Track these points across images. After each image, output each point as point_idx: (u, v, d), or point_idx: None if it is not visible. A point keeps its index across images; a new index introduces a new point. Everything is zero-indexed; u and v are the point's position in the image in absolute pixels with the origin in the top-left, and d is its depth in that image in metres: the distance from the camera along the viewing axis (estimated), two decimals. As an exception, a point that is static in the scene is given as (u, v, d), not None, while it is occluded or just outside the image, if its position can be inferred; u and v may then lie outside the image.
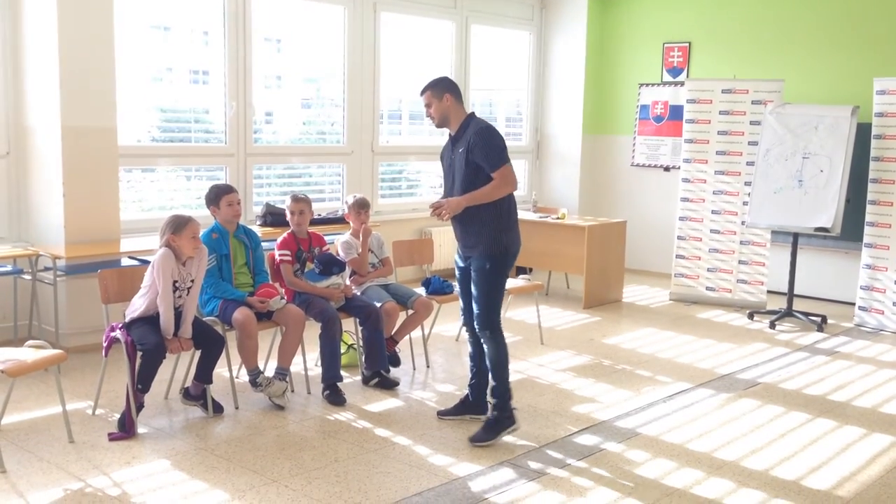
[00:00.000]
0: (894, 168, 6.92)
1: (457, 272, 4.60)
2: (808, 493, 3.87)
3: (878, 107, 7.01)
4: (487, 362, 4.43)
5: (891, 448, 4.44)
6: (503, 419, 4.36)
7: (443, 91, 4.39)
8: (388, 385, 5.15)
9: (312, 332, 5.03)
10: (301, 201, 5.19)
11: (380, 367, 5.16)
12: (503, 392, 4.38)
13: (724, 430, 4.63)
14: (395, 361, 5.47)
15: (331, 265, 5.16)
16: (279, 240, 5.22)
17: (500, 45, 9.35)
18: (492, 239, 4.31)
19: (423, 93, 4.43)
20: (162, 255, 4.31)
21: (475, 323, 4.41)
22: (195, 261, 4.47)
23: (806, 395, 5.29)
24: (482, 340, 4.42)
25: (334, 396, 4.88)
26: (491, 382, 4.41)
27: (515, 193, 4.42)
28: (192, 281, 4.45)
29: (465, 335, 6.10)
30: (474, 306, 4.39)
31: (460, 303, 4.63)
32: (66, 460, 3.96)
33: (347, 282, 5.39)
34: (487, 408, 4.51)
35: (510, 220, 4.39)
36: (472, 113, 4.46)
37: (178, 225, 4.35)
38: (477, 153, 4.26)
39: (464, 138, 4.34)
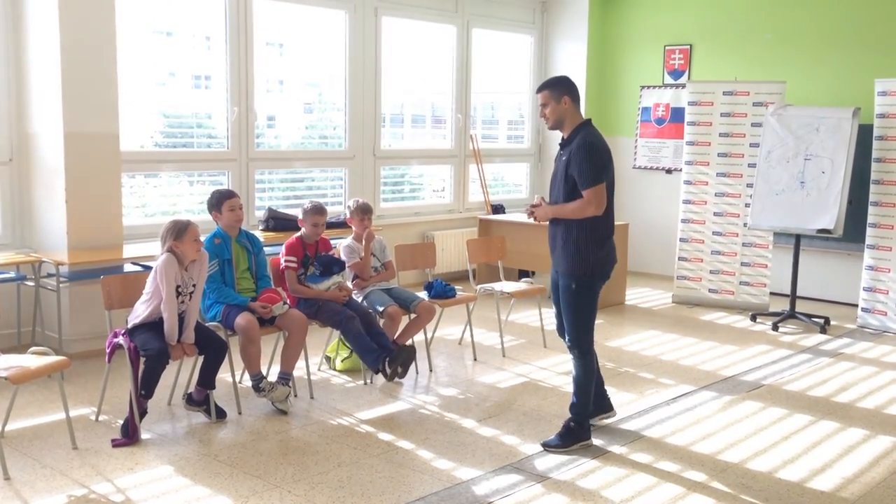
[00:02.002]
0: (896, 169, 6.92)
1: (550, 284, 4.55)
2: (812, 495, 3.86)
3: (880, 108, 7.00)
4: (572, 380, 4.40)
5: (895, 450, 4.43)
6: (580, 431, 4.34)
7: (562, 93, 4.23)
8: (404, 358, 5.10)
9: (314, 336, 5.03)
10: (322, 214, 5.19)
11: (385, 355, 5.05)
12: (582, 411, 4.36)
13: (728, 433, 4.63)
14: (411, 353, 5.29)
15: (331, 265, 5.16)
16: (286, 243, 5.22)
17: (502, 48, 9.35)
18: (577, 258, 4.21)
19: (539, 91, 4.30)
20: (164, 260, 4.32)
21: (566, 340, 4.40)
22: (197, 265, 4.48)
23: (809, 397, 5.28)
24: (572, 358, 4.38)
25: (392, 364, 4.98)
26: (572, 399, 4.39)
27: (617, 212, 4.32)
28: (195, 285, 4.46)
29: (467, 338, 6.14)
30: (565, 323, 4.36)
31: (555, 310, 4.55)
32: (69, 466, 3.97)
33: (349, 284, 5.40)
34: (612, 405, 4.58)
35: (600, 239, 4.23)
36: (589, 120, 4.29)
37: (179, 230, 4.36)
38: (573, 167, 4.15)
39: (570, 146, 4.22)
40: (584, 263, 4.21)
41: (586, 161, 4.12)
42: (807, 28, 8.08)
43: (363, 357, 5.07)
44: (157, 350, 4.21)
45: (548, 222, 4.39)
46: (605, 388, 4.67)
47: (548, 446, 4.30)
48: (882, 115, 6.99)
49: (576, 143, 4.19)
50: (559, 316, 4.49)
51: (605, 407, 4.65)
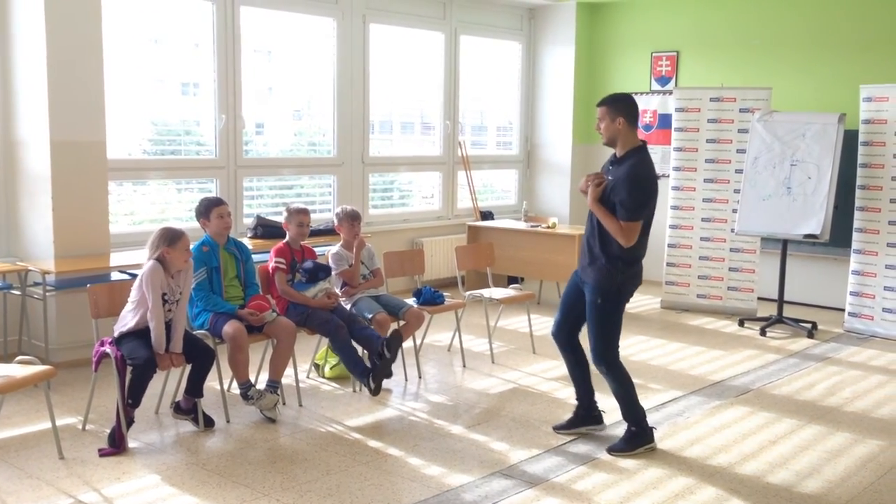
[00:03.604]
0: (881, 174, 6.96)
1: (569, 282, 4.56)
2: (800, 498, 3.88)
3: (865, 114, 7.05)
4: (614, 396, 4.43)
5: (882, 453, 4.46)
6: (642, 434, 4.38)
7: (617, 114, 4.25)
8: (394, 345, 5.01)
9: (303, 344, 5.02)
10: (306, 214, 5.21)
11: (370, 371, 5.00)
12: (636, 414, 4.40)
13: (716, 437, 4.64)
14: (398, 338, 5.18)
15: (316, 271, 5.15)
16: (274, 248, 5.22)
17: (490, 55, 9.38)
18: (607, 275, 4.24)
19: (599, 105, 4.35)
20: (151, 268, 4.30)
21: (592, 357, 4.40)
22: (183, 273, 4.46)
23: (797, 402, 5.30)
24: (601, 374, 4.40)
25: (377, 378, 4.90)
26: (622, 410, 4.41)
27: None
28: (181, 293, 4.45)
29: (456, 345, 6.14)
30: (589, 338, 4.37)
31: (557, 313, 4.58)
32: (56, 476, 3.94)
33: (337, 290, 5.39)
34: (602, 417, 4.60)
35: (633, 260, 4.29)
36: (644, 143, 4.32)
37: (173, 238, 4.35)
38: (618, 193, 4.17)
39: (619, 169, 4.24)
40: (612, 281, 4.25)
41: (630, 195, 4.15)
42: (792, 35, 8.14)
43: (350, 369, 5.07)
44: (144, 359, 4.19)
45: (587, 223, 4.39)
46: (596, 399, 4.67)
47: (614, 451, 4.35)
48: (867, 120, 7.04)
49: (623, 171, 4.21)
50: (562, 317, 4.52)
51: (595, 419, 4.65)
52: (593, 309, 4.30)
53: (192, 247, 4.81)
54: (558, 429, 4.62)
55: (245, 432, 4.57)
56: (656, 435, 4.49)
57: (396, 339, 5.02)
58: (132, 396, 4.23)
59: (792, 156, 7.10)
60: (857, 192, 7.09)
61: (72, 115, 5.65)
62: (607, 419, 4.71)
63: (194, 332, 4.68)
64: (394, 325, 5.41)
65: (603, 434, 4.61)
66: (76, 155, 5.70)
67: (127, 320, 4.37)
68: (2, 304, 5.68)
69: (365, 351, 5.10)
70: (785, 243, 7.24)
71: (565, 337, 4.55)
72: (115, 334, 4.38)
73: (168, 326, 4.37)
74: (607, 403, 4.76)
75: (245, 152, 7.15)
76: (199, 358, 4.50)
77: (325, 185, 7.96)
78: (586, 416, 4.61)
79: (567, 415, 4.72)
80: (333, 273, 5.40)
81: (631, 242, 4.20)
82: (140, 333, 4.33)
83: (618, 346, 4.38)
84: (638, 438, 4.37)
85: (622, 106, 4.29)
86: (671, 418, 4.94)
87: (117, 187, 6.41)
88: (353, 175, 8.01)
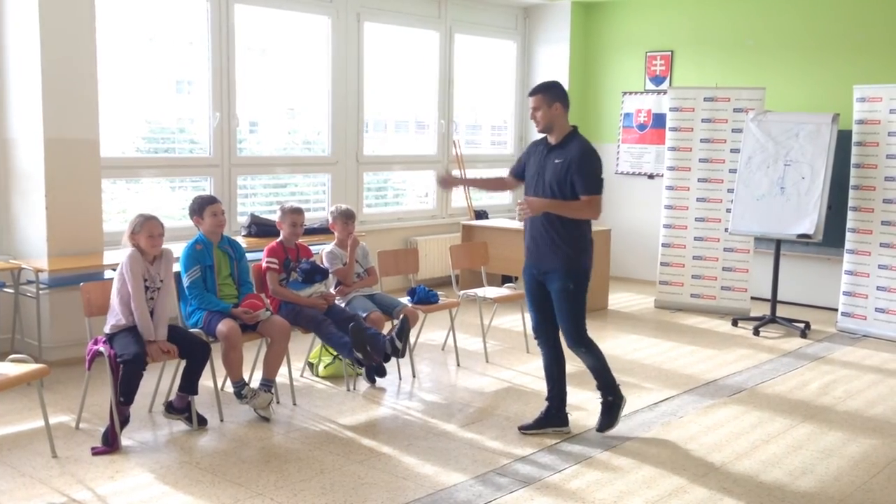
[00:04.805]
0: (875, 174, 6.98)
1: (526, 283, 4.60)
2: (793, 497, 3.89)
3: (858, 114, 7.08)
4: (591, 371, 4.57)
5: (874, 452, 4.47)
6: (616, 400, 4.57)
7: (554, 99, 4.36)
8: (404, 331, 4.99)
9: (297, 342, 5.01)
10: (300, 213, 5.20)
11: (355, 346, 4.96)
12: (611, 382, 4.59)
13: (710, 436, 4.65)
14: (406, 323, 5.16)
15: (313, 273, 5.15)
16: (267, 247, 5.21)
17: (485, 54, 9.38)
18: (572, 260, 4.35)
19: (532, 94, 4.42)
20: (130, 255, 4.31)
21: (567, 341, 4.48)
22: (163, 262, 4.46)
23: (790, 401, 5.32)
24: (578, 356, 4.54)
25: (368, 354, 4.86)
26: (597, 383, 4.58)
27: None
28: (162, 281, 4.44)
29: (450, 344, 6.14)
30: (562, 326, 4.46)
31: (531, 315, 4.64)
32: (49, 475, 3.93)
33: (332, 290, 5.39)
34: (568, 419, 4.62)
35: (588, 241, 4.44)
36: (576, 128, 4.45)
37: (137, 224, 4.37)
38: (576, 171, 4.27)
39: (565, 151, 4.33)
40: (579, 265, 4.38)
41: (591, 169, 4.31)
42: (786, 35, 8.16)
43: (337, 350, 5.01)
44: (132, 354, 4.17)
45: (528, 220, 4.42)
46: (567, 403, 4.66)
47: (602, 429, 4.56)
48: (861, 120, 7.06)
49: (576, 150, 4.31)
50: (537, 315, 4.56)
51: (563, 421, 4.63)
52: (565, 295, 4.38)
53: (185, 245, 4.82)
54: (524, 429, 4.60)
55: (239, 431, 4.57)
56: (650, 433, 4.49)
57: (405, 326, 5.00)
58: (123, 393, 4.20)
59: (786, 156, 7.12)
60: (851, 193, 7.11)
61: (65, 113, 5.63)
62: (592, 421, 4.70)
63: (189, 331, 4.67)
64: (388, 326, 5.42)
65: (595, 434, 4.61)
66: (70, 153, 5.68)
67: (115, 313, 4.36)
68: (-6, 303, 5.66)
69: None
70: (778, 243, 7.26)
71: (546, 335, 4.58)
72: (107, 330, 4.37)
73: (152, 315, 4.36)
74: (597, 403, 4.77)
75: (239, 150, 7.14)
76: (194, 353, 4.49)
77: (319, 183, 7.95)
78: (555, 416, 4.61)
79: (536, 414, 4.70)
80: (330, 275, 5.39)
81: (599, 213, 4.36)
82: (131, 329, 4.32)
83: (585, 325, 4.51)
84: (615, 406, 4.57)
85: (557, 91, 4.39)
86: (664, 417, 4.95)
87: (111, 185, 6.39)
88: (348, 174, 8.00)
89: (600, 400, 4.63)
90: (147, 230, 4.36)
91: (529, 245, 4.50)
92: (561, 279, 4.36)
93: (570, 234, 4.34)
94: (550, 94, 4.37)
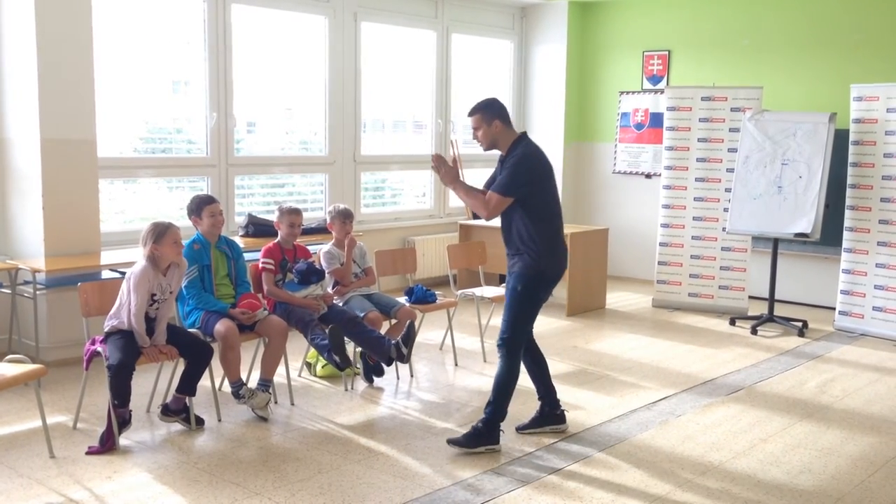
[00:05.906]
0: (872, 173, 6.99)
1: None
2: (792, 496, 3.89)
3: (855, 113, 7.08)
4: (495, 378, 4.38)
5: (872, 451, 4.48)
6: (489, 434, 4.32)
7: (493, 117, 4.37)
8: (410, 338, 4.98)
9: (295, 342, 5.01)
10: (298, 214, 5.19)
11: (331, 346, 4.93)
12: (497, 412, 4.34)
13: (708, 435, 4.65)
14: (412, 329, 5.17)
15: (309, 275, 5.13)
16: (264, 248, 5.20)
17: (482, 53, 9.38)
18: (528, 262, 4.30)
19: (471, 114, 4.43)
20: (141, 270, 4.27)
21: (498, 337, 4.40)
22: (177, 271, 4.44)
23: (788, 399, 5.32)
24: (499, 356, 4.39)
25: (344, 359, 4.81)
26: (490, 398, 4.37)
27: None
28: (171, 293, 4.43)
29: (447, 343, 6.13)
30: (502, 321, 4.38)
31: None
32: (46, 475, 3.92)
33: (329, 290, 5.38)
34: (565, 417, 4.58)
35: (551, 245, 4.35)
36: (524, 134, 4.45)
37: (159, 234, 4.32)
38: (501, 171, 4.33)
39: (510, 158, 4.36)
40: (534, 268, 4.29)
41: (510, 172, 4.29)
42: (783, 34, 8.17)
43: (318, 351, 4.95)
44: (117, 360, 4.14)
45: (502, 217, 4.41)
46: (559, 399, 4.65)
47: (454, 443, 4.31)
48: (858, 119, 7.07)
49: (515, 156, 4.34)
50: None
51: (559, 418, 4.62)
52: (512, 295, 4.34)
53: (184, 244, 4.80)
54: (521, 429, 4.58)
55: (236, 431, 4.56)
56: (648, 433, 4.49)
57: (411, 332, 4.98)
58: (116, 396, 4.18)
59: (783, 155, 7.13)
60: (848, 191, 7.12)
61: (62, 113, 5.62)
62: (590, 420, 4.72)
63: (191, 332, 4.66)
64: (386, 326, 5.42)
65: (597, 431, 4.61)
66: (66, 153, 5.67)
67: (118, 314, 4.33)
68: (-9, 303, 5.65)
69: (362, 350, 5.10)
70: (776, 242, 7.26)
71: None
72: (106, 327, 4.35)
73: (153, 321, 4.35)
74: (603, 401, 4.79)
75: (236, 150, 7.13)
76: (196, 355, 4.47)
77: (316, 183, 7.95)
78: (550, 415, 4.61)
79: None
80: (326, 274, 5.38)
81: (492, 216, 4.32)
82: (126, 333, 4.30)
83: (524, 338, 4.42)
84: (482, 438, 4.30)
85: (494, 109, 4.40)
86: (662, 416, 4.95)
87: (108, 185, 6.38)
88: (345, 173, 8.00)
89: (479, 420, 4.36)
90: (172, 237, 4.33)
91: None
92: (514, 279, 4.35)
93: (530, 236, 4.29)
94: (488, 112, 4.38)
